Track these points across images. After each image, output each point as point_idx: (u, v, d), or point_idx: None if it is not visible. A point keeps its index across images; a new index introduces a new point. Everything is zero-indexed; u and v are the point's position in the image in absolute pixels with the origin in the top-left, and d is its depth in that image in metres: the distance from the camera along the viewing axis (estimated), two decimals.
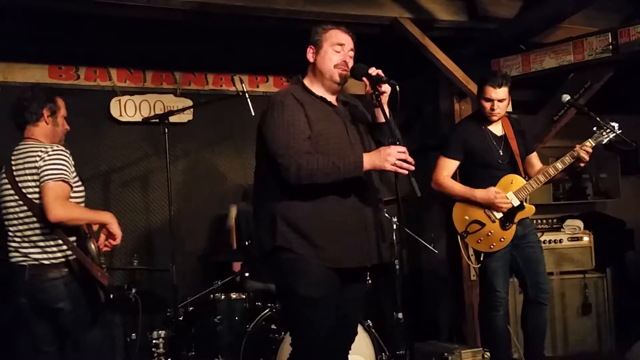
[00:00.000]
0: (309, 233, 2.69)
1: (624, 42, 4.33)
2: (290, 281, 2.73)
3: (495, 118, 3.93)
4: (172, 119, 4.44)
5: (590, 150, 3.76)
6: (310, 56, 2.89)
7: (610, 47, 4.41)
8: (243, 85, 4.47)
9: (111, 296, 3.86)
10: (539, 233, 4.90)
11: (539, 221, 5.28)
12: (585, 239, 5.12)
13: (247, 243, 4.26)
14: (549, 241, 5.07)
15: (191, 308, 4.23)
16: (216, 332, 4.06)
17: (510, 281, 4.60)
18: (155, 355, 4.13)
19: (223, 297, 4.13)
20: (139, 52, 4.86)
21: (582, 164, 3.80)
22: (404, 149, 2.64)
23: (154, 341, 4.15)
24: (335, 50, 2.84)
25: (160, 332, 4.15)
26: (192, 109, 4.92)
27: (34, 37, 4.41)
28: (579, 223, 5.22)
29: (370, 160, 2.68)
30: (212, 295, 4.14)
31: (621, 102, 5.67)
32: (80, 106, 4.62)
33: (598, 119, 3.85)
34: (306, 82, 2.92)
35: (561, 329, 5.02)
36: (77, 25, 4.32)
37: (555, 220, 5.35)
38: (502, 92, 3.85)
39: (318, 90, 2.88)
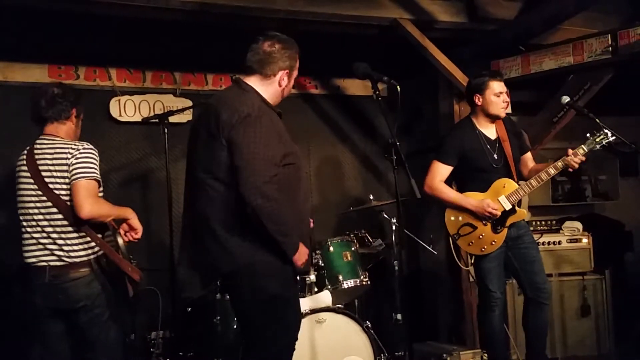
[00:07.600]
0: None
1: (623, 43, 4.33)
2: (269, 283, 2.76)
3: (505, 112, 3.96)
4: (172, 119, 4.43)
5: (582, 157, 3.77)
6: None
7: (610, 48, 4.41)
8: None
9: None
10: (537, 235, 4.93)
11: (538, 223, 5.28)
12: (584, 240, 5.11)
13: None
14: (548, 243, 5.06)
15: (190, 309, 4.23)
16: (215, 333, 4.06)
17: (510, 282, 4.62)
18: (153, 355, 4.13)
19: (222, 297, 4.13)
20: (138, 52, 4.86)
21: (576, 166, 3.82)
22: None
23: (152, 341, 4.15)
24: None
25: (159, 332, 4.15)
26: (191, 109, 4.91)
27: (34, 37, 4.41)
28: (578, 225, 5.21)
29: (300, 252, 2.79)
30: (211, 296, 4.14)
31: (621, 104, 5.67)
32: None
33: (597, 120, 3.86)
34: (260, 90, 2.89)
35: (560, 330, 5.01)
36: (77, 25, 4.31)
37: (554, 222, 5.34)
38: (504, 84, 3.93)
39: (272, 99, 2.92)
